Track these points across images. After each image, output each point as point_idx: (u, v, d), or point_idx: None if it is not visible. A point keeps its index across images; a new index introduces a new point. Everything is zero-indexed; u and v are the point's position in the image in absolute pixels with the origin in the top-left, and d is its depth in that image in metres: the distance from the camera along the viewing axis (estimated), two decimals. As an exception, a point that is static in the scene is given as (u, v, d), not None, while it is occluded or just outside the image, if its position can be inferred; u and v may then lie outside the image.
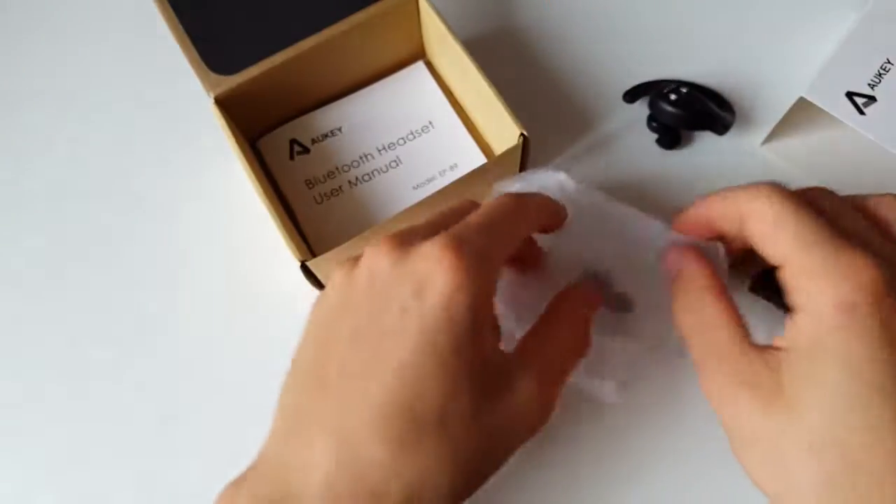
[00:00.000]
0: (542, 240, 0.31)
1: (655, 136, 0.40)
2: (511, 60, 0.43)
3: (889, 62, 0.36)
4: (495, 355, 0.25)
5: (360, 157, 0.40)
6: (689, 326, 0.26)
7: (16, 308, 0.39)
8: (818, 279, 0.23)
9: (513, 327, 0.29)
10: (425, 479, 0.23)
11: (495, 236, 0.26)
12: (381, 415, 0.23)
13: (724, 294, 0.26)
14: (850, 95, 0.35)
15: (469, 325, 0.23)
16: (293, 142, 0.40)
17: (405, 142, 0.40)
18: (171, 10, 0.36)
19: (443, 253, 0.24)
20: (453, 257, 0.24)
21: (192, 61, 0.36)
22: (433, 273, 0.24)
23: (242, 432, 0.35)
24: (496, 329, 0.29)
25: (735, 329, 0.25)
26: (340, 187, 0.39)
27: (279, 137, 0.40)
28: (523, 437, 0.26)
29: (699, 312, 0.26)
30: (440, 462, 0.23)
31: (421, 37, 0.41)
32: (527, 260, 0.31)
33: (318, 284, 0.36)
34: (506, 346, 0.28)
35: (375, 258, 0.25)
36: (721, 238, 0.28)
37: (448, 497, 0.24)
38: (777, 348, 0.24)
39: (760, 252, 0.25)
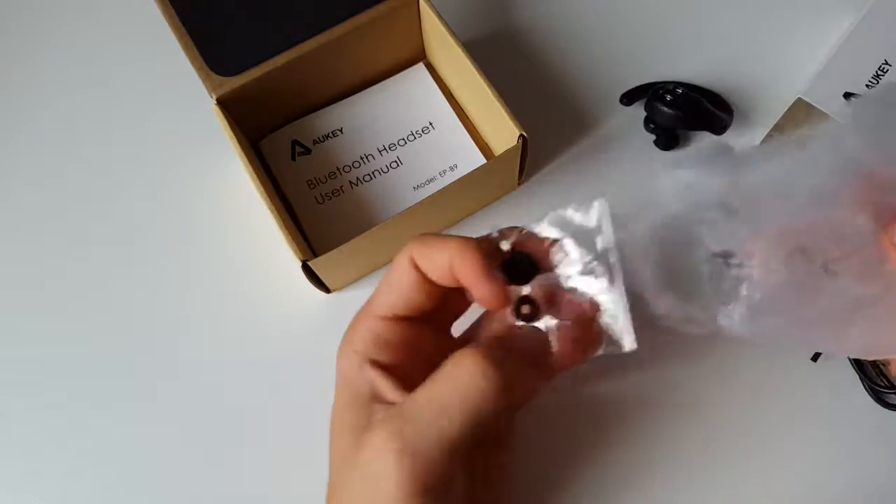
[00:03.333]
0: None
1: (653, 137, 0.40)
2: (511, 62, 0.43)
3: (887, 63, 0.36)
4: None
5: (361, 158, 0.40)
6: None
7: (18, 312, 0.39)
8: None
9: None
10: None
11: None
12: None
13: None
14: (847, 96, 0.36)
15: None
16: (295, 142, 0.40)
17: (406, 142, 0.40)
18: (173, 12, 0.36)
19: None
20: None
21: (194, 63, 0.36)
22: None
23: (241, 431, 0.36)
24: None
25: None
26: (341, 188, 0.39)
27: (281, 138, 0.40)
28: None
29: None
30: None
31: (421, 38, 0.41)
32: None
33: (320, 284, 0.36)
34: None
35: None
36: None
37: None
38: None
39: None
